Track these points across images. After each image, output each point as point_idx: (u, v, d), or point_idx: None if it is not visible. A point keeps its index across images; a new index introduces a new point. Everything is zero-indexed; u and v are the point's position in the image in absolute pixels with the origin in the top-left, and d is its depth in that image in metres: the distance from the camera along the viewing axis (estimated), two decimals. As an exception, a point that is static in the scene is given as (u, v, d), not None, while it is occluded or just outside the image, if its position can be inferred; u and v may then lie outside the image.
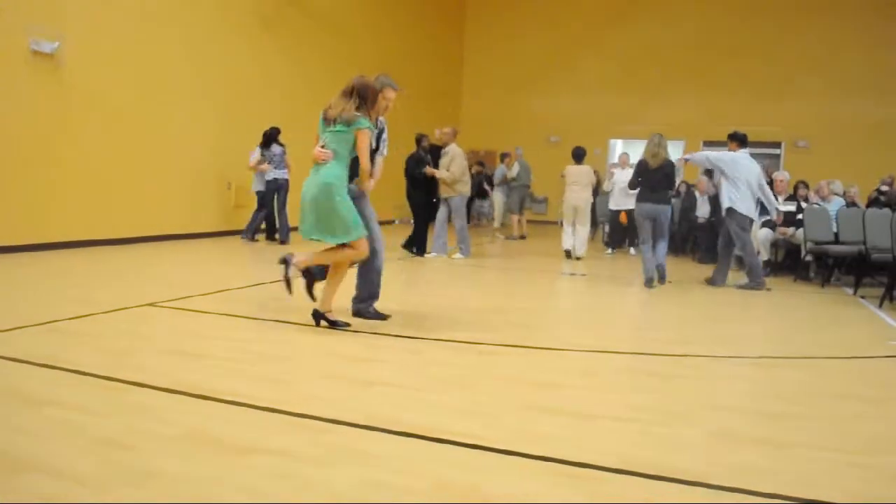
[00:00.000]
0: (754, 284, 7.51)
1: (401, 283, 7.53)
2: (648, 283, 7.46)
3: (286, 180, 10.40)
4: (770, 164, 16.65)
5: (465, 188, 9.25)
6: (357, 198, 4.74)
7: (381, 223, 5.15)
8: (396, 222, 15.85)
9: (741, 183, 7.39)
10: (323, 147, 4.59)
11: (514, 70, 19.31)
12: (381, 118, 5.03)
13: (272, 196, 10.42)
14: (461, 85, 20.17)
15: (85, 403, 3.04)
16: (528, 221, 14.22)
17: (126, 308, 5.08)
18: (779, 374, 4.16)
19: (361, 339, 4.52)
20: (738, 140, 7.64)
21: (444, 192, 9.19)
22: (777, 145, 17.32)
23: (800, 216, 8.56)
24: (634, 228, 11.09)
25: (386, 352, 4.23)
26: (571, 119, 18.51)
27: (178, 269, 7.65)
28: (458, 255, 9.31)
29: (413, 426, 2.90)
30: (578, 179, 10.06)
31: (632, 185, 7.69)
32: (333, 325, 4.69)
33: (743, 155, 7.56)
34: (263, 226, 10.63)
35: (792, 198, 9.06)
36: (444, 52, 19.33)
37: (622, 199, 10.78)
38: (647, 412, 3.27)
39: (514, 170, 13.17)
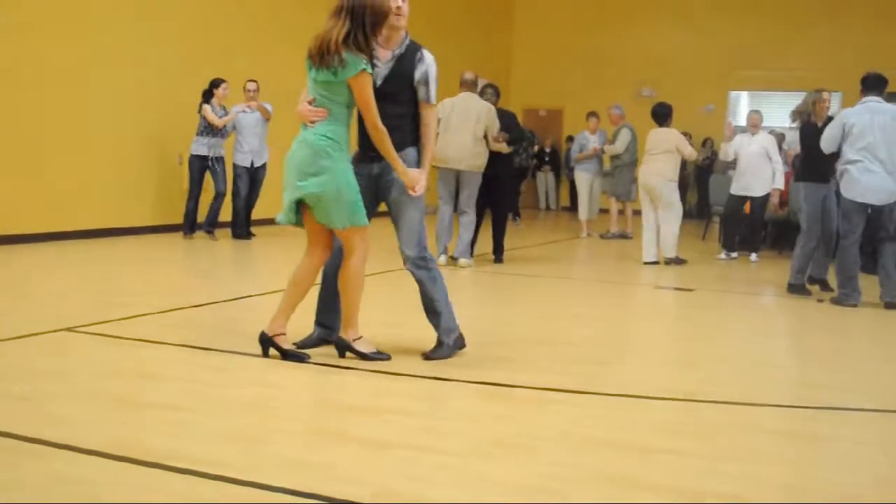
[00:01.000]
0: (842, 297, 7.51)
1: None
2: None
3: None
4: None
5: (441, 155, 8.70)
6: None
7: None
8: None
9: (859, 147, 7.26)
10: (312, 101, 4.60)
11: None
12: (418, 51, 4.77)
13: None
14: (512, 14, 20.16)
15: (-26, 471, 3.10)
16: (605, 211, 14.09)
17: (34, 335, 5.16)
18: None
19: (364, 379, 4.56)
20: (866, 85, 7.53)
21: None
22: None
23: None
24: (763, 224, 10.98)
25: (401, 399, 4.25)
26: (672, 63, 18.35)
27: (105, 279, 7.78)
28: (465, 261, 9.20)
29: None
30: (652, 148, 10.01)
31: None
32: (286, 355, 4.75)
33: (863, 108, 7.40)
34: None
35: None
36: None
37: (752, 182, 10.55)
38: (783, 492, 3.24)
39: (623, 140, 12.75)
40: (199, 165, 10.73)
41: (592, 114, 13.49)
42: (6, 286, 7.10)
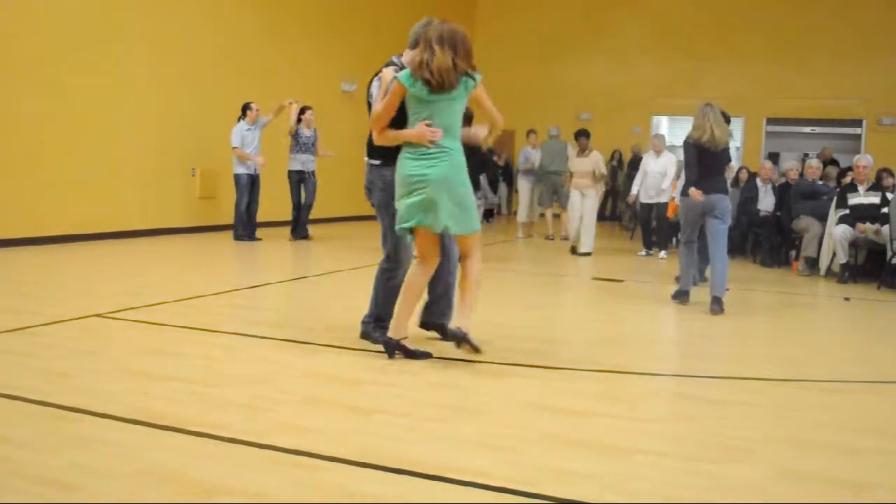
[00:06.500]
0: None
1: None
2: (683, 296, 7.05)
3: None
4: (848, 145, 16.67)
5: None
6: None
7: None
8: None
9: None
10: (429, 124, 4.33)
11: (536, 33, 19.32)
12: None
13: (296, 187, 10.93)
14: (475, 51, 20.16)
15: (19, 435, 3.07)
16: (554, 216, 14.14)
17: (68, 320, 5.13)
18: (857, 402, 4.16)
19: (350, 357, 4.55)
20: None
21: None
22: (857, 123, 17.26)
23: (885, 210, 8.54)
24: (670, 226, 11.09)
25: (380, 373, 4.25)
26: (605, 92, 18.52)
27: (128, 272, 7.70)
28: None
29: (417, 463, 2.92)
30: (578, 166, 10.95)
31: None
32: (412, 355, 4.47)
33: None
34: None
35: (875, 187, 9.03)
36: (452, 12, 19.36)
37: (654, 193, 10.86)
38: (694, 445, 3.28)
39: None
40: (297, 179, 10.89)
41: (532, 131, 13.55)
42: (44, 280, 7.00)
